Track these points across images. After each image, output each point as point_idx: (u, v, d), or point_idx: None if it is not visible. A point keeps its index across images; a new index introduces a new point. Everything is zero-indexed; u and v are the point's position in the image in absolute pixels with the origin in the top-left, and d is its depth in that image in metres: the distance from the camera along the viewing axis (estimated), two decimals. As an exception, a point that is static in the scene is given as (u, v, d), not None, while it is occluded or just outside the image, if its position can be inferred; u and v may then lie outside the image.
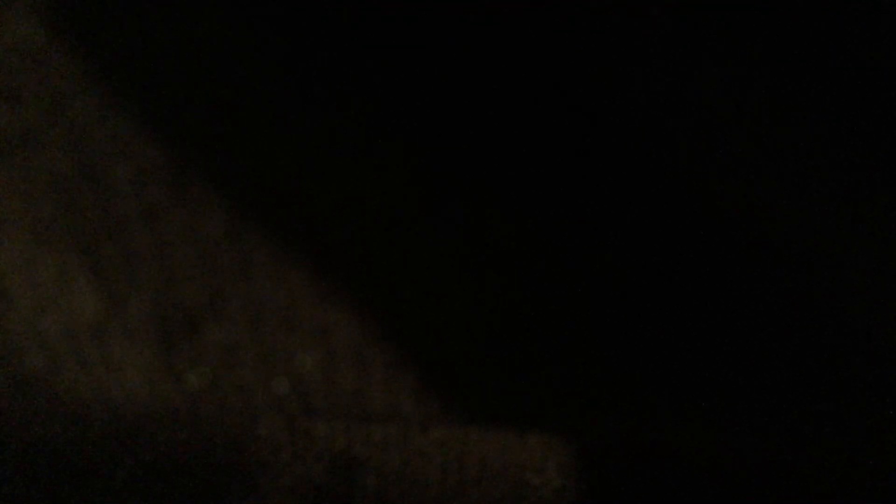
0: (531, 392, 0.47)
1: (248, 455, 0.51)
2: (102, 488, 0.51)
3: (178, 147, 0.39)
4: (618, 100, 0.39)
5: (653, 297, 0.43)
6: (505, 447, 0.52)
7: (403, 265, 0.43)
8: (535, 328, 0.44)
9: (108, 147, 0.38)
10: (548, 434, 0.52)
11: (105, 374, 0.44)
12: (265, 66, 0.38)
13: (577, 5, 0.38)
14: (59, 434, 0.49)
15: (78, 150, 0.38)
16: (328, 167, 0.40)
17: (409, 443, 0.52)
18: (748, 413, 0.46)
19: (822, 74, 0.38)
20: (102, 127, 0.38)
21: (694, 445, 0.52)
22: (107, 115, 0.38)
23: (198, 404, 0.45)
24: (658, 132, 0.39)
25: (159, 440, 0.50)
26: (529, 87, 0.39)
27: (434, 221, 0.41)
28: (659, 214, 0.41)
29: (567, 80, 0.39)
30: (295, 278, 0.42)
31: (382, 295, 0.43)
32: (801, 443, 0.47)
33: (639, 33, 0.38)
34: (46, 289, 0.41)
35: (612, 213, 0.41)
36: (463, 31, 0.38)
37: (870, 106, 0.39)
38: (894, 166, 0.40)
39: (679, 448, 0.52)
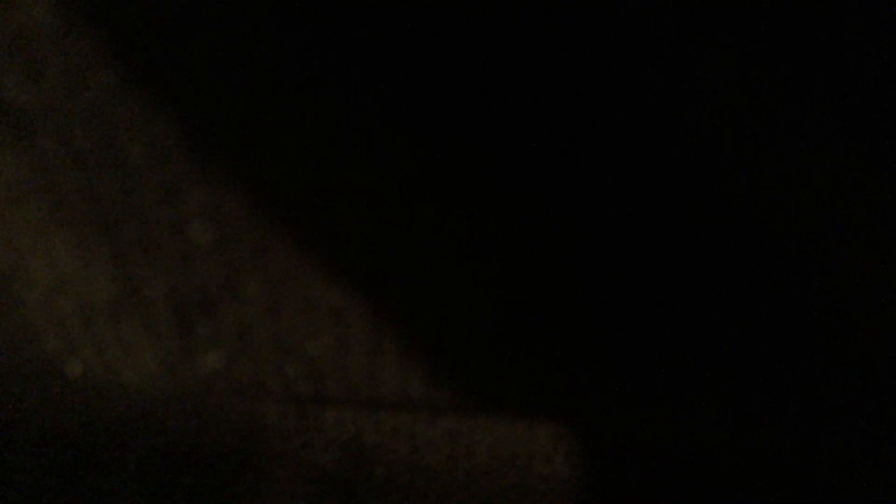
0: (541, 382, 0.47)
1: (258, 443, 0.51)
2: (112, 475, 0.50)
3: (199, 127, 0.39)
4: (622, 97, 0.39)
5: (658, 294, 0.43)
6: (514, 436, 0.52)
7: (420, 252, 0.43)
8: (547, 319, 0.45)
9: (128, 125, 0.38)
10: (557, 424, 0.52)
11: (120, 357, 0.44)
12: (286, 48, 0.38)
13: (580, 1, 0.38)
14: (69, 420, 0.49)
15: (98, 128, 0.38)
16: (349, 151, 0.40)
17: (419, 431, 0.52)
18: (752, 411, 0.46)
19: (833, 72, 0.39)
20: (123, 104, 0.38)
21: (699, 440, 0.52)
22: (128, 92, 0.38)
23: (212, 388, 0.45)
24: (659, 129, 0.40)
25: (170, 427, 0.50)
26: (536, 84, 0.39)
27: (449, 210, 0.42)
28: (662, 211, 0.41)
29: (572, 77, 0.39)
30: (311, 261, 0.42)
31: (397, 280, 0.43)
32: (801, 442, 0.47)
33: (643, 29, 0.38)
34: (64, 268, 0.41)
35: (615, 208, 0.41)
36: (471, 29, 0.38)
37: (878, 103, 0.39)
38: None
39: (686, 441, 0.52)
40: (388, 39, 0.38)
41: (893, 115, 0.39)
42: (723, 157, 0.40)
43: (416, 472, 0.52)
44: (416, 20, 0.38)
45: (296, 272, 0.42)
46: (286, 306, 0.43)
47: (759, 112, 0.39)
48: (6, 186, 0.39)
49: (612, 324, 0.44)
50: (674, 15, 0.38)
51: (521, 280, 0.44)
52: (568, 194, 0.41)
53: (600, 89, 0.39)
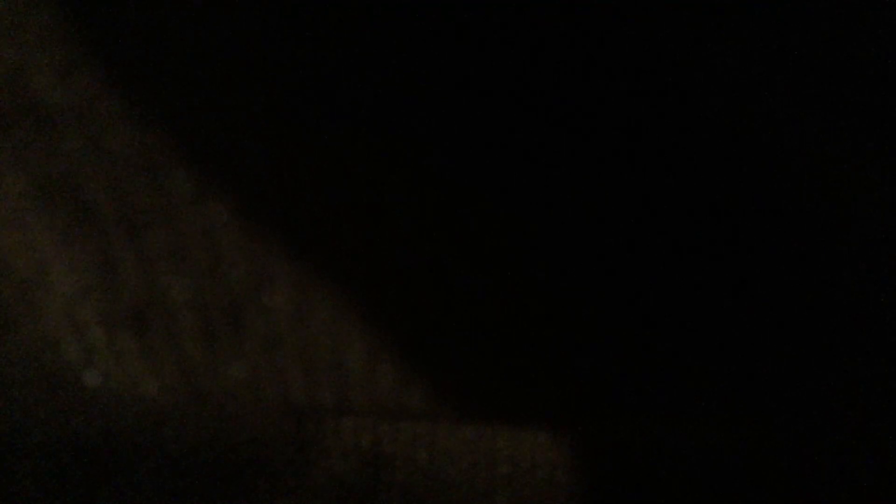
0: (564, 391, 0.47)
1: (275, 452, 0.50)
2: (126, 483, 0.50)
3: (228, 132, 0.38)
4: (619, 96, 0.39)
5: (657, 299, 0.43)
6: (536, 445, 0.52)
7: (444, 263, 0.42)
8: (568, 327, 0.44)
9: (163, 127, 0.37)
10: (580, 433, 0.51)
11: (141, 367, 0.43)
12: (307, 60, 0.38)
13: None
14: (83, 428, 0.48)
15: (132, 128, 0.37)
16: (381, 162, 0.40)
17: (438, 440, 0.51)
18: (751, 412, 0.46)
19: (839, 69, 0.38)
20: (158, 105, 0.37)
21: (715, 445, 0.51)
22: (162, 93, 0.37)
23: (234, 399, 0.45)
24: (659, 129, 0.39)
25: (185, 436, 0.49)
26: (536, 86, 0.39)
27: (477, 223, 0.41)
28: (659, 214, 0.41)
29: (573, 74, 0.38)
30: (342, 271, 0.41)
31: (419, 290, 0.43)
32: (802, 444, 0.47)
33: (649, 27, 0.38)
34: (88, 274, 0.41)
35: (614, 212, 0.41)
36: (470, 31, 0.38)
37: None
38: None
39: (703, 448, 0.52)
40: (384, 40, 0.38)
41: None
42: (720, 158, 0.40)
43: (436, 482, 0.52)
44: (415, 19, 0.38)
45: (327, 280, 0.41)
46: (316, 314, 0.42)
47: (761, 108, 0.39)
48: (31, 188, 0.39)
49: (629, 330, 0.44)
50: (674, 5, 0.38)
51: (543, 290, 0.43)
52: (570, 196, 0.41)
53: (600, 86, 0.39)
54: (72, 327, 0.42)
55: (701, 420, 0.47)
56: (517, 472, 0.52)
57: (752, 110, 0.39)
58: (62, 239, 0.40)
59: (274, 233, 0.40)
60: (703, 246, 0.41)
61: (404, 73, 0.38)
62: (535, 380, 0.46)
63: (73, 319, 0.42)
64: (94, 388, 0.44)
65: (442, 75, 0.38)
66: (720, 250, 0.41)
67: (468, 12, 0.38)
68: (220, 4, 0.37)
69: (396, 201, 0.41)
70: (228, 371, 0.43)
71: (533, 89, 0.39)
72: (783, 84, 0.38)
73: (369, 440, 0.51)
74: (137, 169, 0.38)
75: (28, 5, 0.35)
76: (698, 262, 0.42)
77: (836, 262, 0.41)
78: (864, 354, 0.43)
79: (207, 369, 0.43)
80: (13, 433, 0.48)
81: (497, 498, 0.52)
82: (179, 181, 0.39)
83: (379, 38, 0.38)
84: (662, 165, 0.40)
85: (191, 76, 0.37)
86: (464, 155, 0.40)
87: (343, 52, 0.38)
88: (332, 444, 0.51)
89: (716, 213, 0.41)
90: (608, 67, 0.38)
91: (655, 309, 0.43)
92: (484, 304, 0.44)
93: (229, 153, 0.39)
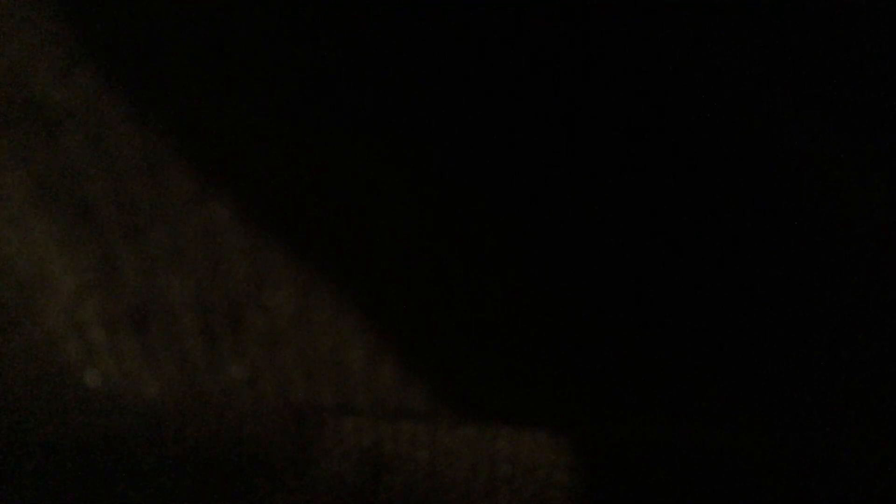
0: (563, 392, 0.47)
1: (275, 451, 0.50)
2: (125, 483, 0.50)
3: (229, 132, 0.38)
4: (620, 96, 0.39)
5: (657, 299, 0.43)
6: (536, 446, 0.51)
7: (444, 264, 0.42)
8: (567, 328, 0.44)
9: (163, 127, 0.37)
10: (580, 433, 0.51)
11: (141, 366, 0.43)
12: (307, 63, 0.38)
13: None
14: (82, 427, 0.48)
15: (132, 128, 0.37)
16: (381, 162, 0.40)
17: (439, 440, 0.51)
18: (751, 412, 0.46)
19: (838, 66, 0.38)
20: (158, 105, 0.37)
21: (715, 445, 0.51)
22: (162, 93, 0.37)
23: (234, 399, 0.45)
24: (660, 129, 0.39)
25: (185, 435, 0.49)
26: (536, 86, 0.39)
27: (471, 227, 0.41)
28: (658, 214, 0.41)
29: (573, 74, 0.38)
30: (342, 271, 0.41)
31: (419, 290, 0.43)
32: (802, 444, 0.47)
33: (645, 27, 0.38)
34: (89, 274, 0.41)
35: (614, 213, 0.41)
36: (470, 31, 0.38)
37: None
38: None
39: (707, 448, 0.52)
40: (384, 38, 0.38)
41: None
42: (720, 158, 0.40)
43: (436, 482, 0.52)
44: (419, 19, 0.38)
45: (328, 280, 0.41)
46: (317, 314, 0.42)
47: (761, 108, 0.39)
48: (32, 189, 0.39)
49: (630, 330, 0.44)
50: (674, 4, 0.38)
51: (544, 290, 0.43)
52: (570, 196, 0.41)
53: (600, 86, 0.39)
54: (72, 327, 0.42)
55: (701, 420, 0.47)
56: (517, 472, 0.52)
57: (753, 110, 0.39)
58: (62, 239, 0.40)
59: (274, 233, 0.40)
60: (704, 246, 0.41)
61: (404, 73, 0.38)
62: (535, 380, 0.46)
63: (74, 319, 0.42)
64: (94, 388, 0.44)
65: (442, 75, 0.38)
66: (720, 250, 0.41)
67: (468, 12, 0.37)
68: (220, 4, 0.37)
69: (397, 201, 0.41)
70: (228, 371, 0.43)
71: (533, 89, 0.39)
72: (783, 84, 0.38)
73: (369, 440, 0.51)
74: (137, 169, 0.38)
75: (28, 5, 0.35)
76: (698, 262, 0.42)
77: (836, 262, 0.41)
78: (864, 354, 0.43)
79: (207, 369, 0.43)
80: (14, 433, 0.48)
81: (497, 498, 0.52)
82: (179, 181, 0.38)
83: (379, 38, 0.38)
84: (663, 165, 0.40)
85: (191, 76, 0.37)
86: (464, 155, 0.40)
87: (343, 52, 0.38)
88: (333, 443, 0.51)
89: (716, 213, 0.41)
90: (608, 67, 0.38)
91: (655, 309, 0.43)
92: (484, 304, 0.43)
93: (229, 153, 0.38)
